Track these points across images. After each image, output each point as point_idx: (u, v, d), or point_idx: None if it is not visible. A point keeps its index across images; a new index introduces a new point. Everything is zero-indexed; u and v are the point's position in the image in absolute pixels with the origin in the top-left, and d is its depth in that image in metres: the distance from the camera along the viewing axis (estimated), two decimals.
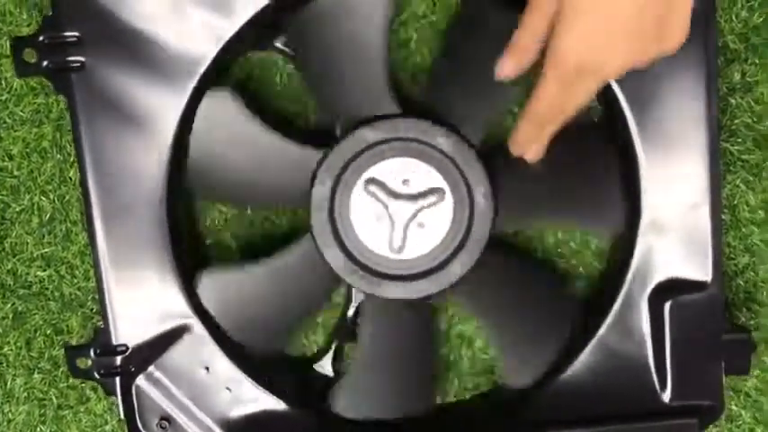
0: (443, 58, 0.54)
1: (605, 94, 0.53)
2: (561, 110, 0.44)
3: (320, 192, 0.51)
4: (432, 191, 0.52)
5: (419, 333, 0.56)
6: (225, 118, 0.52)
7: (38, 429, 0.60)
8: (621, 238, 0.55)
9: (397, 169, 0.51)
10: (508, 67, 0.46)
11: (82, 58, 0.51)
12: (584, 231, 0.58)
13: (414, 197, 0.52)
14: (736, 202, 0.59)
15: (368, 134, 0.51)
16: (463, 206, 0.51)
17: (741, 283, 0.60)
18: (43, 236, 0.59)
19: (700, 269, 0.53)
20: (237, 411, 0.55)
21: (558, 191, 0.48)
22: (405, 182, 0.52)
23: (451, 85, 0.52)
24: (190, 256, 0.55)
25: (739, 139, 0.58)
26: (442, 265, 0.52)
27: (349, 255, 0.52)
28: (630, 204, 0.54)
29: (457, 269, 0.52)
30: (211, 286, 0.54)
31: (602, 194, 0.54)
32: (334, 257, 0.52)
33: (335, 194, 0.51)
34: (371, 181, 0.52)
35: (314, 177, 0.51)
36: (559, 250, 0.59)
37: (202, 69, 0.52)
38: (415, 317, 0.55)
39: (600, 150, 0.54)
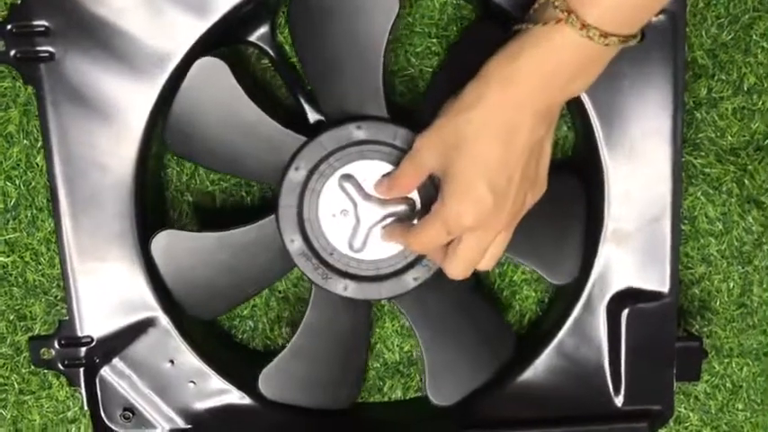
0: (443, 72, 0.54)
1: (575, 105, 0.54)
2: (438, 244, 0.48)
3: (294, 176, 0.52)
4: (403, 201, 0.52)
5: (357, 330, 0.56)
6: (214, 84, 0.51)
7: None
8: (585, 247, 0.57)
9: (375, 172, 0.52)
10: (384, 192, 0.51)
11: (51, 49, 0.50)
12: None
13: (385, 202, 0.52)
14: (696, 214, 0.60)
15: (354, 132, 0.51)
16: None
17: (696, 291, 0.61)
18: (8, 221, 0.58)
19: (657, 280, 0.55)
20: (201, 404, 0.55)
21: (522, 229, 0.49)
22: (364, 187, 0.52)
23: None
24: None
25: (702, 153, 0.60)
26: (396, 273, 0.53)
27: (308, 242, 0.52)
28: (594, 212, 0.55)
29: (410, 281, 0.53)
30: (165, 243, 0.53)
31: (564, 246, 0.55)
32: (293, 242, 0.52)
33: (309, 182, 0.52)
34: (347, 177, 0.52)
35: (291, 161, 0.51)
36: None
37: (174, 64, 0.51)
38: (357, 315, 0.55)
39: (570, 195, 0.55)
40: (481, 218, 0.46)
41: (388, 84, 0.56)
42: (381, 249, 0.53)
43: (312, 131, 0.52)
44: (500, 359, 0.57)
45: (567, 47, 0.42)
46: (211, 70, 0.51)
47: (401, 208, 0.52)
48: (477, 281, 0.60)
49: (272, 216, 0.53)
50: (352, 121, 0.51)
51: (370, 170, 0.52)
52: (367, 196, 0.52)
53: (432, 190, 0.51)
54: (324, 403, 0.56)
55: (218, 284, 0.55)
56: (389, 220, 0.52)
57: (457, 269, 0.48)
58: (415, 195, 0.52)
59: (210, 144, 0.52)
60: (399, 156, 0.51)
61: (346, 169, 0.52)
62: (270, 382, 0.55)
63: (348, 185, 0.52)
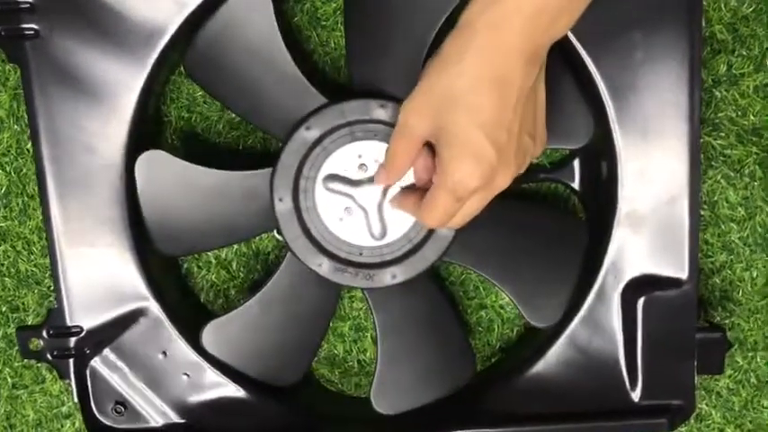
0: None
1: (585, 80, 0.51)
2: (452, 216, 0.46)
3: (283, 209, 0.50)
4: None
5: (319, 313, 0.54)
6: (255, 15, 0.49)
7: None
8: (594, 232, 0.54)
9: (349, 157, 0.49)
10: (383, 180, 0.49)
11: (36, 26, 0.48)
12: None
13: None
14: (715, 199, 0.57)
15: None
16: None
17: (717, 281, 0.58)
18: None
19: (675, 265, 0.52)
20: (195, 397, 0.53)
21: (510, 265, 0.47)
22: (361, 166, 0.50)
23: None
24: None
25: (722, 134, 0.56)
26: (377, 266, 0.50)
27: (296, 205, 0.50)
28: (606, 194, 0.52)
29: (387, 278, 0.51)
30: (150, 163, 0.51)
31: (551, 291, 0.53)
32: (281, 200, 0.50)
33: (300, 207, 0.50)
34: (329, 178, 0.50)
35: (305, 119, 0.49)
36: None
37: (164, 41, 0.49)
38: (322, 297, 0.53)
39: (569, 242, 0.54)
40: (487, 176, 0.43)
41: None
42: (402, 221, 0.50)
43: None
44: (455, 382, 0.54)
45: None
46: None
47: None
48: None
49: (268, 169, 0.50)
50: (377, 98, 0.49)
51: (343, 159, 0.49)
52: (357, 183, 0.50)
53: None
54: (263, 375, 0.53)
55: (190, 219, 0.52)
56: (391, 190, 0.50)
57: (456, 223, 0.47)
58: None
59: (233, 75, 0.50)
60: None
61: (323, 172, 0.49)
62: (213, 335, 0.53)
63: (334, 185, 0.50)
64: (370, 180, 0.50)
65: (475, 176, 0.43)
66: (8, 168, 0.56)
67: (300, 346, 0.54)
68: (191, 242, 0.53)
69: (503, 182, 0.44)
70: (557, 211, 0.57)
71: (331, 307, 0.54)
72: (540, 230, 0.53)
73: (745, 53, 0.55)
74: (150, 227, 0.52)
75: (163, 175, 0.51)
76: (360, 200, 0.50)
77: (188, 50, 0.50)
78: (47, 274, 0.57)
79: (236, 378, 0.53)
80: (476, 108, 0.42)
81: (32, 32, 0.48)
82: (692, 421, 0.59)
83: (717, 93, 0.56)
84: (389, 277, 0.51)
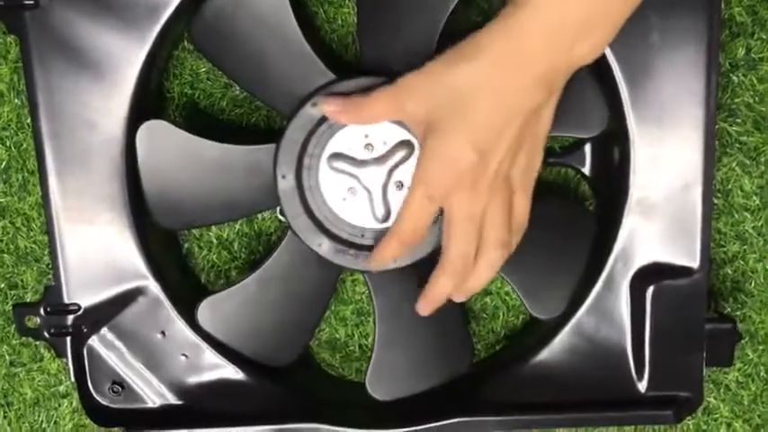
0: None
1: (598, 65, 0.49)
2: (425, 222, 0.45)
3: (285, 186, 0.49)
4: (398, 146, 0.48)
5: (316, 294, 0.53)
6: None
7: None
8: (604, 218, 0.53)
9: (355, 136, 0.48)
10: (330, 113, 0.47)
11: None
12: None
13: (381, 159, 0.48)
14: (730, 187, 0.56)
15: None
16: None
17: (729, 271, 0.57)
18: None
19: (686, 254, 0.51)
20: (193, 378, 0.52)
21: (514, 254, 0.46)
22: (367, 146, 0.48)
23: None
24: None
25: (738, 120, 0.55)
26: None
27: (299, 183, 0.49)
28: (618, 180, 0.51)
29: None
30: (152, 132, 0.50)
31: (555, 283, 0.52)
32: (284, 178, 0.49)
33: (303, 185, 0.49)
34: (335, 157, 0.48)
35: (311, 95, 0.48)
36: None
37: (168, 13, 0.48)
38: (321, 278, 0.52)
39: (576, 231, 0.52)
40: (461, 176, 0.43)
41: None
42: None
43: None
44: (453, 370, 0.53)
45: None
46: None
47: (401, 154, 0.48)
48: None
49: (272, 145, 0.49)
50: (386, 77, 0.47)
51: (348, 138, 0.48)
52: (362, 163, 0.48)
53: None
54: (258, 355, 0.53)
55: (190, 192, 0.51)
56: (397, 171, 0.48)
57: (456, 248, 0.45)
58: (407, 135, 0.48)
59: (240, 46, 0.49)
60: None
61: (328, 150, 0.48)
62: (208, 312, 0.52)
63: (339, 164, 0.48)
64: (377, 161, 0.49)
65: (449, 174, 0.43)
66: (8, 143, 0.55)
67: (297, 326, 0.53)
68: (190, 216, 0.52)
69: (484, 184, 0.43)
70: (565, 201, 0.56)
71: (330, 288, 0.53)
72: (547, 220, 0.52)
73: (764, 37, 0.54)
74: (149, 199, 0.51)
75: (164, 145, 0.50)
76: (364, 180, 0.49)
77: (195, 19, 0.49)
78: (46, 251, 0.57)
79: (233, 358, 0.52)
80: (470, 109, 0.42)
81: (32, 2, 0.47)
82: (699, 414, 0.58)
83: (734, 77, 0.54)
84: (391, 261, 0.50)
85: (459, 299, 0.48)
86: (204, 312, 0.52)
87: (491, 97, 0.42)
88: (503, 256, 0.46)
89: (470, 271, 0.46)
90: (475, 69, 0.41)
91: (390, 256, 0.48)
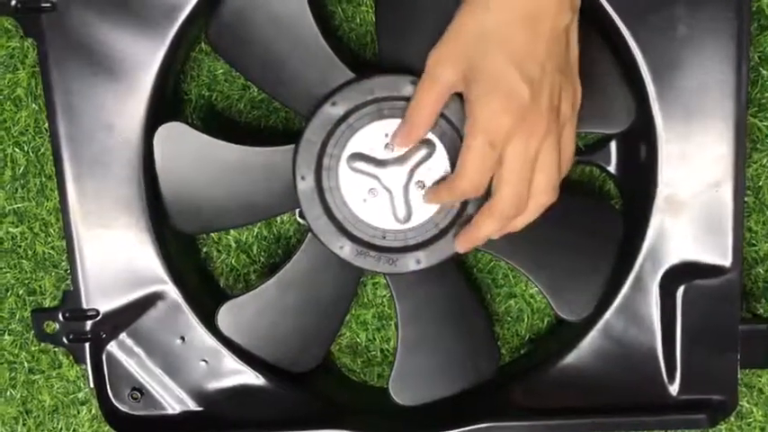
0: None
1: (624, 57, 0.48)
2: (489, 173, 0.43)
3: (305, 188, 0.48)
4: (419, 145, 0.47)
5: (337, 297, 0.52)
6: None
7: (8, 393, 0.58)
8: (631, 217, 0.51)
9: (375, 136, 0.47)
10: (404, 137, 0.46)
11: None
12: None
13: (402, 158, 0.47)
14: (761, 184, 0.54)
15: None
16: (457, 147, 0.46)
17: (761, 271, 0.55)
18: (16, 190, 0.56)
19: (718, 252, 0.49)
20: (213, 384, 0.51)
21: (542, 255, 0.46)
22: (387, 146, 0.47)
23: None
24: None
25: None
26: (400, 250, 0.48)
27: (319, 184, 0.48)
28: (645, 177, 0.50)
29: (411, 263, 0.48)
30: (171, 135, 0.49)
31: (583, 284, 0.51)
32: (303, 179, 0.48)
33: (323, 186, 0.48)
34: (354, 157, 0.47)
35: (330, 94, 0.47)
36: None
37: (184, 15, 0.48)
38: (342, 281, 0.52)
39: (604, 232, 0.51)
40: (521, 112, 0.41)
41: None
42: (428, 205, 0.48)
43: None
44: (478, 375, 0.52)
45: None
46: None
47: (422, 152, 0.47)
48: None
49: (291, 146, 0.48)
50: (407, 75, 0.47)
51: (368, 137, 0.47)
52: (382, 162, 0.47)
53: (450, 132, 0.47)
54: (278, 360, 0.52)
55: (208, 195, 0.50)
56: (418, 171, 0.47)
57: (510, 193, 0.43)
58: (428, 134, 0.47)
59: (258, 46, 0.48)
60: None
61: (348, 150, 0.47)
62: (228, 316, 0.51)
63: (359, 165, 0.48)
64: (397, 160, 0.48)
65: (508, 112, 0.41)
66: (26, 148, 0.55)
67: (318, 331, 0.52)
68: (208, 219, 0.51)
69: (540, 122, 0.42)
70: (593, 200, 0.55)
71: (351, 291, 0.52)
72: (575, 221, 0.51)
73: None
74: (167, 202, 0.50)
75: (182, 147, 0.49)
76: (385, 181, 0.48)
77: (212, 20, 0.48)
78: (64, 257, 0.56)
79: (254, 363, 0.51)
80: (507, 40, 0.40)
81: (49, 5, 0.47)
82: (732, 419, 0.56)
83: (764, 71, 0.53)
84: (413, 262, 0.49)
85: (497, 236, 0.46)
86: (224, 317, 0.51)
87: (520, 23, 0.40)
88: (552, 199, 0.44)
89: (520, 213, 0.44)
90: (493, 6, 0.41)
91: (449, 204, 0.47)
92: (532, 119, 0.41)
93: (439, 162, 0.47)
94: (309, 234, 0.50)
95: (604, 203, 0.55)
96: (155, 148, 0.49)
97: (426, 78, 0.44)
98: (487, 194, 0.45)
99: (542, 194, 0.44)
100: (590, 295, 0.51)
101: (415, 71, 0.46)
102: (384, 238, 0.49)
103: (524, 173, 0.43)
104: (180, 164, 0.50)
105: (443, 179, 0.47)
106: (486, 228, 0.45)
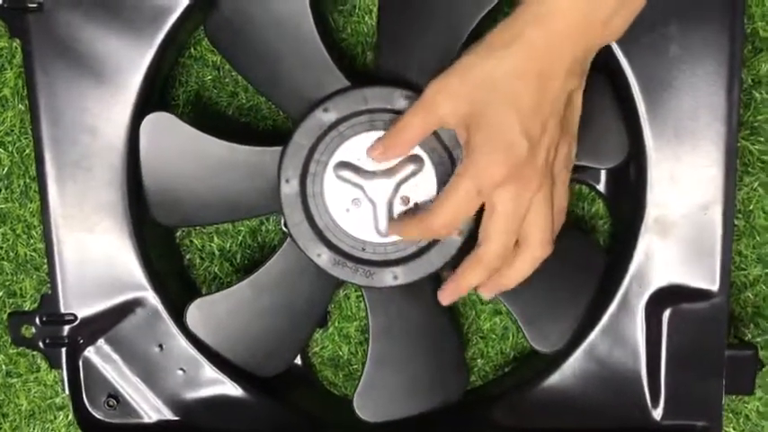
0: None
1: (615, 77, 0.48)
2: (466, 215, 0.44)
3: (288, 191, 0.47)
4: (408, 160, 0.47)
5: (312, 304, 0.51)
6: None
7: None
8: (619, 237, 0.51)
9: (364, 146, 0.47)
10: (379, 152, 0.46)
11: None
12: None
13: (390, 172, 0.47)
14: (751, 208, 0.54)
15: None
16: (446, 167, 0.46)
17: (750, 295, 0.55)
18: (0, 191, 0.55)
19: (705, 276, 0.49)
20: (190, 394, 0.51)
21: (524, 287, 0.45)
22: None
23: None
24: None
25: (761, 138, 0.53)
26: (379, 264, 0.48)
27: (303, 188, 0.47)
28: (634, 197, 0.49)
29: (389, 278, 0.48)
30: (156, 125, 0.48)
31: (558, 316, 0.51)
32: (287, 182, 0.47)
33: (306, 191, 0.47)
34: (342, 165, 0.47)
35: (323, 100, 0.47)
36: None
37: (173, 19, 0.47)
38: (318, 289, 0.51)
39: (584, 264, 0.51)
40: (515, 167, 0.41)
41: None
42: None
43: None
44: (445, 396, 0.51)
45: None
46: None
47: (410, 168, 0.47)
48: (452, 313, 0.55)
49: (279, 148, 0.48)
50: (403, 88, 0.46)
51: (358, 147, 0.47)
52: (370, 174, 0.47)
53: (440, 150, 0.46)
54: (245, 362, 0.51)
55: (191, 189, 0.49)
56: (404, 186, 0.47)
57: (497, 243, 0.43)
58: (417, 150, 0.46)
59: (255, 43, 0.48)
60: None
61: (335, 158, 0.47)
62: (198, 313, 0.50)
63: (345, 173, 0.47)
64: (384, 173, 0.47)
65: (503, 165, 0.41)
66: (11, 148, 0.55)
67: (288, 336, 0.51)
68: (188, 213, 0.50)
69: (533, 177, 0.42)
70: (577, 233, 0.54)
71: (325, 300, 0.51)
72: (556, 251, 0.50)
73: None
74: (148, 192, 0.49)
75: (168, 138, 0.48)
76: (370, 192, 0.47)
77: (211, 13, 0.48)
78: (45, 260, 0.55)
79: (232, 373, 0.50)
80: (515, 94, 0.41)
81: (36, 5, 0.47)
82: None
83: (756, 94, 0.52)
84: (390, 278, 0.48)
85: (487, 294, 0.46)
86: (193, 313, 0.50)
87: (535, 83, 0.41)
88: (544, 255, 0.44)
89: (507, 265, 0.44)
90: (514, 56, 0.41)
91: (410, 238, 0.47)
92: (527, 174, 0.42)
93: (425, 179, 0.47)
94: (288, 238, 0.49)
95: (588, 237, 0.54)
96: (140, 137, 0.48)
97: (421, 104, 0.43)
98: (473, 245, 0.44)
99: (537, 248, 0.44)
100: (565, 327, 0.50)
101: (412, 85, 0.46)
102: (363, 249, 0.48)
103: (513, 225, 0.43)
104: (165, 154, 0.49)
105: (409, 212, 0.47)
106: (472, 277, 0.45)
